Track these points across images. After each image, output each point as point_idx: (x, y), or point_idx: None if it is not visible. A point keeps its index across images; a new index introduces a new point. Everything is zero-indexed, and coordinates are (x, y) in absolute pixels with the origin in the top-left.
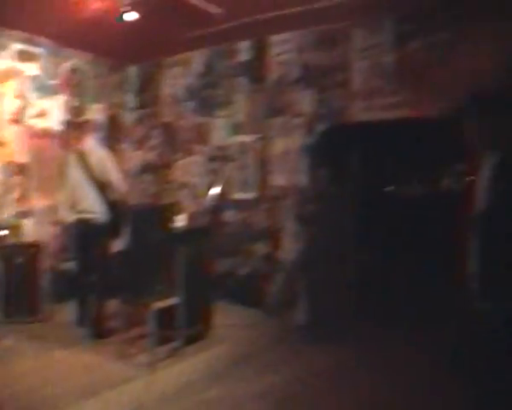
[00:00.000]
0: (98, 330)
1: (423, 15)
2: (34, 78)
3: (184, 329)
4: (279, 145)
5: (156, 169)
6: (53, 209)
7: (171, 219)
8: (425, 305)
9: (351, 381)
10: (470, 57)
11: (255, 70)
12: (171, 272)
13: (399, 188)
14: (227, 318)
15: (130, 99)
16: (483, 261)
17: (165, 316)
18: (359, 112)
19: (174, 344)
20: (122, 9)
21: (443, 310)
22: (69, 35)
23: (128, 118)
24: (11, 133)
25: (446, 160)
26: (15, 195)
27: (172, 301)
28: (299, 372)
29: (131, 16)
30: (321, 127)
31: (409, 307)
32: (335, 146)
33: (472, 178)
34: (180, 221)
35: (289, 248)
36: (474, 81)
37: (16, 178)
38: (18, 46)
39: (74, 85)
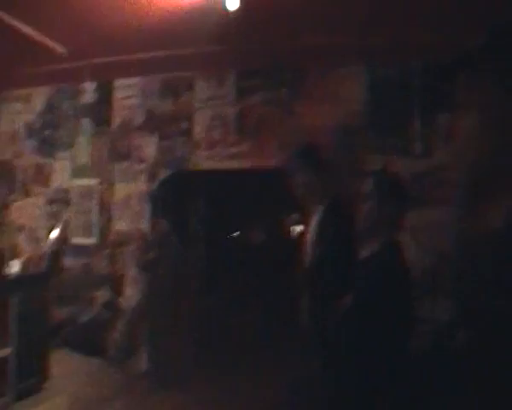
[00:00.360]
0: None
1: (263, 72)
2: None
3: (17, 382)
4: (122, 190)
5: None
6: None
7: (3, 265)
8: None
9: None
10: (308, 113)
11: (99, 113)
12: (2, 322)
13: (243, 234)
14: (67, 368)
15: None
16: (310, 316)
17: None
18: (202, 160)
19: (5, 399)
20: None
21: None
22: None
23: None
24: None
25: (285, 209)
26: None
27: (3, 352)
28: None
29: None
30: (164, 174)
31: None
32: (178, 193)
33: (302, 229)
34: (14, 267)
35: (131, 294)
36: (312, 136)
37: None
38: None
39: None
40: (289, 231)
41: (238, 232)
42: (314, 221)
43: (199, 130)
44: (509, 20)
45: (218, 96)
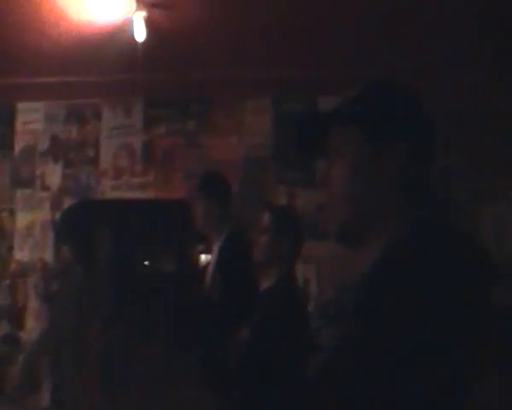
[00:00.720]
0: None
1: (170, 102)
2: None
3: None
4: (24, 218)
5: None
6: None
7: None
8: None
9: None
10: (215, 145)
11: (1, 136)
12: None
13: (150, 265)
14: None
15: None
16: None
17: None
18: (108, 189)
19: None
20: None
21: None
22: None
23: None
24: None
25: (191, 239)
26: None
27: None
28: None
29: None
30: (69, 202)
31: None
32: (83, 222)
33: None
34: None
35: (32, 327)
36: (218, 168)
37: None
38: None
39: None
40: (197, 261)
41: (145, 262)
42: (214, 252)
43: (105, 158)
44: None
45: (125, 124)
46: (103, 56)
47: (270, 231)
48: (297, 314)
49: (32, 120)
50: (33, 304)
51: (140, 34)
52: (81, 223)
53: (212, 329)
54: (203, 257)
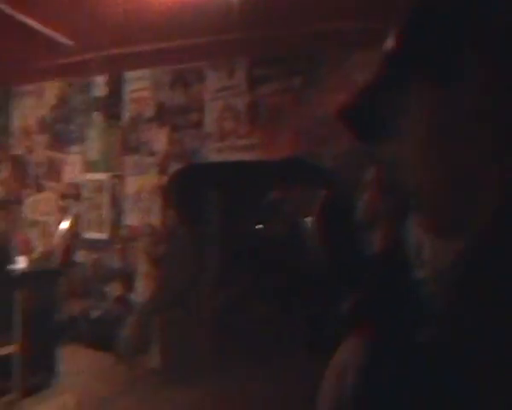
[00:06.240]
0: None
1: (275, 60)
2: None
3: (23, 379)
4: (133, 184)
5: (4, 205)
6: None
7: (11, 261)
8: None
9: None
10: (322, 103)
11: (110, 106)
12: (9, 319)
13: (258, 227)
14: (76, 363)
15: None
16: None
17: (0, 366)
18: (213, 152)
19: (11, 396)
20: None
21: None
22: None
23: None
24: None
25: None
26: None
27: (8, 349)
28: None
29: None
30: (175, 167)
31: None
32: (190, 186)
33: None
34: (21, 263)
35: (142, 289)
36: (326, 126)
37: None
38: None
39: None
40: (305, 223)
41: (252, 225)
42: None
43: (210, 121)
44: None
45: (229, 86)
46: (204, 18)
47: (374, 186)
48: (407, 280)
49: (139, 88)
50: (143, 267)
51: None
52: (188, 186)
53: (318, 293)
54: (309, 219)
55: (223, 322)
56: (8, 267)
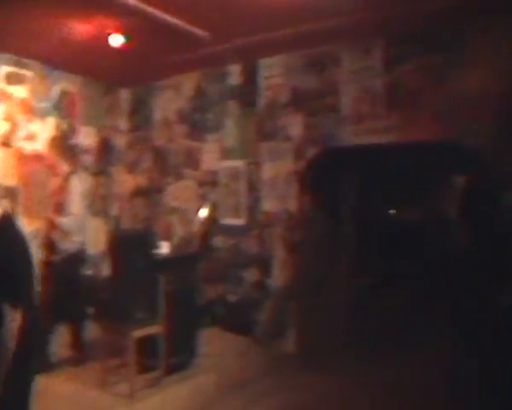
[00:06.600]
0: (76, 356)
1: (413, 38)
2: (23, 100)
3: (167, 358)
4: (269, 170)
5: (147, 193)
6: (39, 233)
7: (155, 246)
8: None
9: None
10: (466, 80)
11: (245, 94)
12: (155, 300)
13: (397, 213)
14: (215, 346)
15: (122, 122)
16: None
17: (147, 345)
18: (349, 136)
19: (156, 373)
20: (109, 33)
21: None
22: (59, 57)
23: (119, 141)
24: None
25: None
26: None
27: (154, 329)
28: (290, 402)
29: (118, 40)
30: (311, 152)
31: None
32: (326, 170)
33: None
34: (164, 248)
35: (279, 275)
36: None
37: (3, 202)
38: (6, 69)
39: (65, 108)
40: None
41: (391, 210)
42: (455, 196)
43: (346, 104)
44: None
45: (364, 67)
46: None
47: None
48: None
49: (273, 75)
50: (280, 253)
51: None
52: (325, 171)
53: (467, 280)
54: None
55: (359, 309)
56: (152, 252)
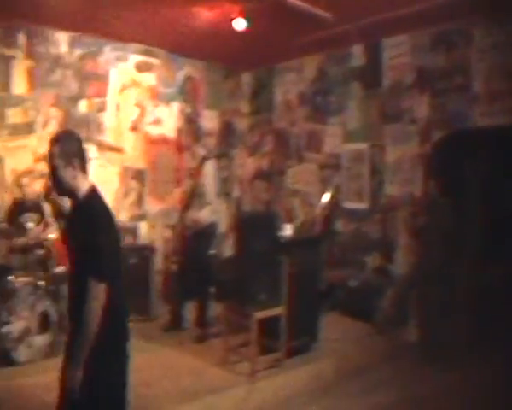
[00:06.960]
0: (199, 334)
1: None
2: (151, 87)
3: (288, 340)
4: (393, 153)
5: (269, 176)
6: (166, 213)
7: (279, 228)
8: None
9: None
10: None
11: (368, 75)
12: (277, 282)
13: None
14: (335, 331)
15: (244, 105)
16: None
17: (269, 326)
18: (480, 117)
19: (276, 355)
20: (232, 17)
21: None
22: (184, 44)
23: (241, 124)
24: (130, 140)
25: None
26: (131, 199)
27: (277, 311)
28: (408, 394)
29: (241, 24)
30: (437, 134)
31: None
32: (453, 154)
33: None
34: (288, 230)
35: (402, 261)
36: None
37: (132, 183)
38: (136, 58)
39: (188, 93)
40: None
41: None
42: None
43: (476, 83)
44: None
45: (498, 43)
46: None
47: None
48: None
49: (398, 55)
50: (403, 238)
51: None
52: (452, 154)
53: None
54: None
55: (485, 302)
56: (276, 234)
